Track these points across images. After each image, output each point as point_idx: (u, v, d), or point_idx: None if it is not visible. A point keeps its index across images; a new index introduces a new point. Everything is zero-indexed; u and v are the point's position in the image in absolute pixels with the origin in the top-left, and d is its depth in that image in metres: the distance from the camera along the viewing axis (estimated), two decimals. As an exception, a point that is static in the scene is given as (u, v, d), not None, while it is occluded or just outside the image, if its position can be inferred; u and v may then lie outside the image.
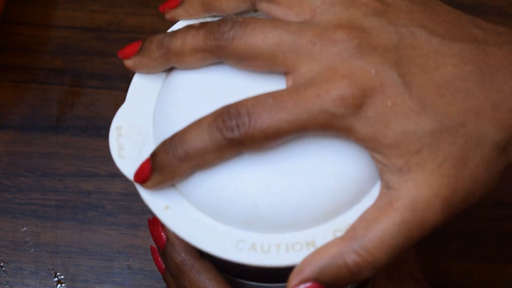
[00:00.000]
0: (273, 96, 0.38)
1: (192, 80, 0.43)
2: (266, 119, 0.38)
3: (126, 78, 0.63)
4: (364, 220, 0.38)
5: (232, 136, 0.38)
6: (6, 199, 0.59)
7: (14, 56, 0.63)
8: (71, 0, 0.65)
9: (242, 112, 0.38)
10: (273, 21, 0.40)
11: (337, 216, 0.41)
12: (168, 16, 0.44)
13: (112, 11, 0.65)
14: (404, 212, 0.38)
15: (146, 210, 0.58)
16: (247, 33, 0.39)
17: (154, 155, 0.40)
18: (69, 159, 0.60)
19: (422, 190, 0.38)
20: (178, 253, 0.45)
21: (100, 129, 0.61)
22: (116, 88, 0.63)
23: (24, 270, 0.57)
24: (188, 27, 0.41)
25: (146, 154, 0.42)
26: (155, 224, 0.46)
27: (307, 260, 0.39)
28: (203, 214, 0.41)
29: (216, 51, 0.40)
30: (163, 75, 0.44)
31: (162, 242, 0.46)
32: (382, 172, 0.39)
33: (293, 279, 0.39)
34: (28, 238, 0.58)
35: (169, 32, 0.42)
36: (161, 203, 0.41)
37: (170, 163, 0.39)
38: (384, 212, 0.38)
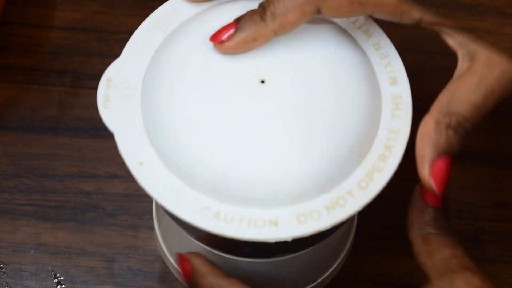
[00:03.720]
0: None
1: (189, 46, 0.43)
2: None
3: (126, 79, 0.63)
4: (446, 91, 0.42)
5: None
6: (6, 200, 0.59)
7: (13, 57, 0.63)
8: (71, 1, 0.65)
9: None
10: None
11: (304, 201, 0.41)
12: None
13: (112, 12, 0.65)
14: (481, 71, 0.42)
15: (146, 210, 0.58)
16: None
17: (240, 18, 0.42)
18: (69, 160, 0.60)
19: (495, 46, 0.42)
20: (204, 277, 0.45)
21: (100, 130, 0.61)
22: (116, 89, 0.62)
23: (24, 271, 0.57)
24: None
25: (130, 108, 0.43)
26: (182, 258, 0.47)
27: (419, 148, 0.42)
28: (174, 176, 0.42)
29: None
30: (162, 36, 0.45)
31: (188, 272, 0.46)
32: (460, 46, 0.42)
33: (423, 170, 0.42)
34: (28, 239, 0.58)
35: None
36: (136, 158, 0.42)
37: (256, 25, 0.41)
38: (463, 78, 0.42)
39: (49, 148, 0.61)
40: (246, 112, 0.42)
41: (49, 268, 0.57)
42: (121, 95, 0.44)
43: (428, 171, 0.42)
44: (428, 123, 0.42)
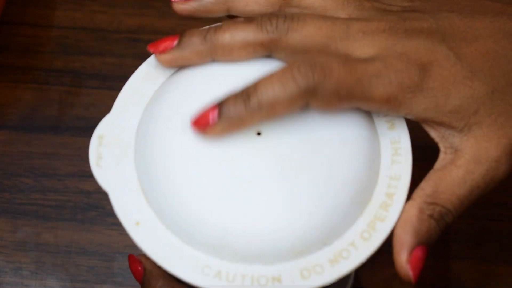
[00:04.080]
0: (343, 60, 0.40)
1: (181, 98, 0.42)
2: (340, 76, 0.39)
3: (126, 78, 0.63)
4: (430, 181, 0.42)
5: (306, 85, 0.39)
6: (6, 199, 0.59)
7: (14, 56, 0.63)
8: (71, 0, 0.65)
9: (317, 64, 0.39)
10: (321, 14, 0.42)
11: (306, 255, 0.40)
12: (179, 7, 0.44)
13: (112, 12, 0.65)
14: (467, 165, 0.41)
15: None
16: (300, 26, 0.41)
17: (222, 103, 0.40)
18: (69, 160, 0.60)
19: (482, 143, 0.41)
20: (157, 279, 0.45)
21: (100, 129, 0.61)
22: (116, 88, 0.63)
23: (24, 270, 0.57)
24: (233, 22, 0.42)
25: (123, 166, 0.42)
26: (133, 260, 0.46)
27: (398, 234, 0.41)
28: (173, 235, 0.41)
29: (269, 44, 0.41)
30: (153, 88, 0.44)
31: (140, 274, 0.46)
32: (442, 139, 0.42)
33: (401, 256, 0.41)
34: (28, 239, 0.58)
35: (210, 27, 0.42)
36: (132, 219, 0.41)
37: (240, 112, 0.40)
38: (448, 170, 0.42)
39: (49, 147, 0.61)
40: (244, 166, 0.40)
41: (49, 267, 0.57)
42: (114, 153, 0.42)
43: (406, 258, 0.41)
44: (411, 210, 0.41)
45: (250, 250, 0.40)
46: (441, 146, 0.43)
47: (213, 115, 0.40)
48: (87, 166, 0.60)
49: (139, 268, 0.46)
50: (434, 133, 0.42)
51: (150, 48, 0.43)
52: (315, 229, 0.40)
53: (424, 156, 0.60)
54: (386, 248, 0.47)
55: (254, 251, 0.40)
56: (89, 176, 0.60)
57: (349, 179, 0.41)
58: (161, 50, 0.43)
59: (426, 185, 0.42)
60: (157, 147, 0.41)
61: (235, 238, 0.40)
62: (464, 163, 0.42)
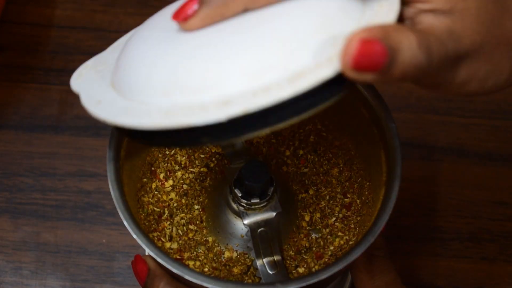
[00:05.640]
0: None
1: (161, 15, 0.42)
2: None
3: (126, 78, 0.63)
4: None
5: None
6: (6, 199, 0.59)
7: (14, 56, 0.63)
8: (71, 0, 0.65)
9: None
10: None
11: (262, 76, 0.36)
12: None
13: (112, 11, 0.65)
14: (441, 35, 0.38)
15: (146, 210, 0.58)
16: None
17: None
18: (69, 159, 0.60)
19: (457, 28, 0.38)
20: (160, 278, 0.45)
21: (100, 129, 0.61)
22: (116, 88, 0.63)
23: (24, 270, 0.57)
24: None
25: (102, 73, 0.43)
26: (139, 259, 0.46)
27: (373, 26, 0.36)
28: (129, 101, 0.39)
29: None
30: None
31: (145, 273, 0.46)
32: (419, 14, 0.38)
33: (358, 33, 0.36)
34: (28, 238, 0.58)
35: None
36: (95, 100, 0.41)
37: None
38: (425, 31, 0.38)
39: (49, 147, 0.61)
40: None
41: (50, 266, 0.57)
42: (96, 70, 0.43)
43: (364, 35, 0.35)
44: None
45: (198, 80, 0.37)
46: (415, 21, 0.39)
47: (194, 3, 0.37)
48: (87, 165, 0.60)
49: (145, 267, 0.46)
50: (410, 11, 0.39)
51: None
52: (271, 48, 0.36)
53: (421, 154, 0.61)
54: (384, 254, 0.48)
55: (203, 80, 0.37)
56: (89, 175, 0.60)
57: None
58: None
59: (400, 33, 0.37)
60: (130, 41, 0.42)
61: (185, 69, 0.37)
62: (439, 33, 0.38)
